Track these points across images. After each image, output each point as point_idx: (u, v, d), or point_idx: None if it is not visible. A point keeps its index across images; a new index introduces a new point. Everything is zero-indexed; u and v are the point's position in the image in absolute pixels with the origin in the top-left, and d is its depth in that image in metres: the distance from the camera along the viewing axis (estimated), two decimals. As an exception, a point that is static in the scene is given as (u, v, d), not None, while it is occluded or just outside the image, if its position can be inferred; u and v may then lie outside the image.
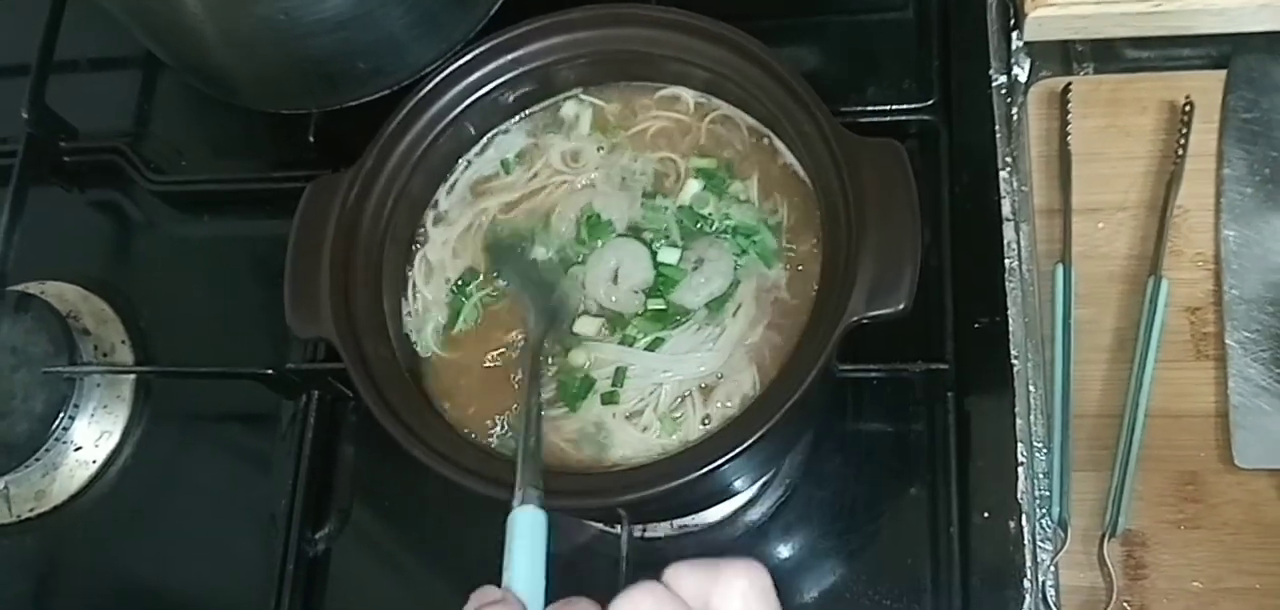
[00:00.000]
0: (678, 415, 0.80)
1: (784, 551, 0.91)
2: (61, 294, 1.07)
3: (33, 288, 1.06)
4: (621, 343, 0.82)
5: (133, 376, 1.04)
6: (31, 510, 1.01)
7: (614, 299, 0.83)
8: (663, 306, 0.83)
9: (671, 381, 0.81)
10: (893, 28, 1.06)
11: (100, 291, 1.08)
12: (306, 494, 0.96)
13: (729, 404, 0.80)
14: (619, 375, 0.81)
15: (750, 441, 0.72)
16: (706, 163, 0.87)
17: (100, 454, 1.02)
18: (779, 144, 0.87)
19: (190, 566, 0.99)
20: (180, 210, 1.11)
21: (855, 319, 0.74)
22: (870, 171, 0.77)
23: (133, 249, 1.12)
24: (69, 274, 1.08)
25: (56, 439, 1.00)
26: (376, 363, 0.80)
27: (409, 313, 0.87)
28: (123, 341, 1.05)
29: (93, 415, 1.03)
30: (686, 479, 0.73)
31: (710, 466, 0.73)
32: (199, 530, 0.99)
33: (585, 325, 0.84)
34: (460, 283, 0.87)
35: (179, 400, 1.04)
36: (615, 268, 0.84)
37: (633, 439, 0.80)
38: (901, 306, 0.74)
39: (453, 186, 0.90)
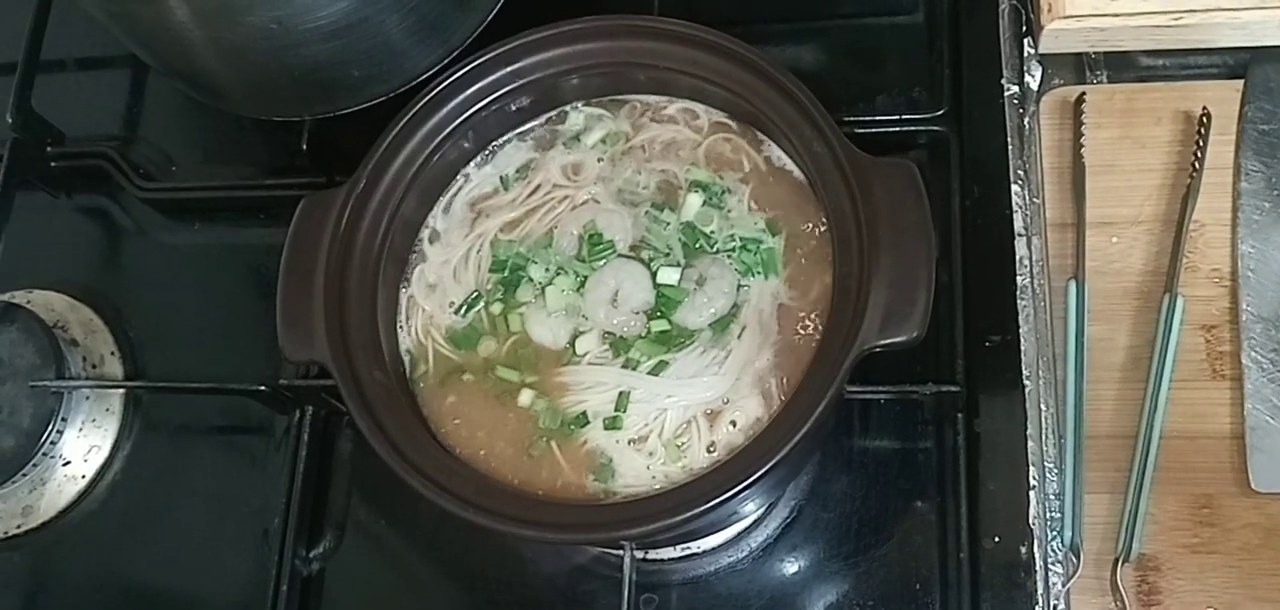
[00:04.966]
0: (682, 441, 0.78)
1: (790, 574, 0.89)
2: (49, 303, 1.04)
3: (19, 297, 1.03)
4: (624, 366, 0.80)
5: (122, 389, 1.02)
6: (19, 527, 0.99)
7: (615, 322, 0.82)
8: (667, 328, 0.81)
9: (676, 406, 0.79)
10: (902, 33, 1.03)
11: (88, 300, 1.05)
12: (300, 511, 0.94)
13: (735, 430, 0.78)
14: (622, 400, 0.79)
15: (758, 475, 0.71)
16: (704, 175, 0.85)
17: (89, 469, 1.00)
18: (787, 160, 0.84)
19: (181, 585, 0.97)
20: (170, 217, 1.09)
21: (866, 347, 0.72)
22: (882, 193, 0.75)
23: (122, 257, 1.09)
24: (56, 283, 1.06)
25: (44, 453, 0.98)
26: (371, 386, 0.78)
27: (403, 328, 0.85)
28: (111, 353, 1.03)
29: (81, 429, 1.00)
30: (693, 512, 0.71)
31: (718, 500, 0.71)
32: (190, 547, 0.97)
33: (586, 344, 0.82)
34: (464, 308, 0.85)
35: (169, 413, 1.02)
36: (615, 290, 0.82)
37: (637, 466, 0.78)
38: (914, 335, 0.72)
39: (450, 204, 0.88)
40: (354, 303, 0.80)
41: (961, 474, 0.87)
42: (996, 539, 0.84)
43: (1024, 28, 0.96)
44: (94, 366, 1.02)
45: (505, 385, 0.82)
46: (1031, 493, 0.84)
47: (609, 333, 0.82)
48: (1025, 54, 0.96)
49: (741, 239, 0.83)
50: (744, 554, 0.90)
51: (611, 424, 0.79)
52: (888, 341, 0.72)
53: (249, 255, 1.05)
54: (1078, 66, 0.98)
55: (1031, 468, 0.84)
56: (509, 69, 0.86)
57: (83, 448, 1.00)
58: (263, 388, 0.94)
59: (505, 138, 0.89)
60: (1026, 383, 0.87)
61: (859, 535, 0.89)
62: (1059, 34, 0.93)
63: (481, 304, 0.85)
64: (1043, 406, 0.87)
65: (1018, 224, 0.90)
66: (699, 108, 0.87)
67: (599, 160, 0.88)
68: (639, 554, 0.87)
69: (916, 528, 0.88)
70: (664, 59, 0.85)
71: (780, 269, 0.82)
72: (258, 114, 1.02)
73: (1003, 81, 0.94)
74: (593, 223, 0.84)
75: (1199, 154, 0.91)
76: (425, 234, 0.88)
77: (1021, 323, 0.88)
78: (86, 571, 0.98)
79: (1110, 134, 0.94)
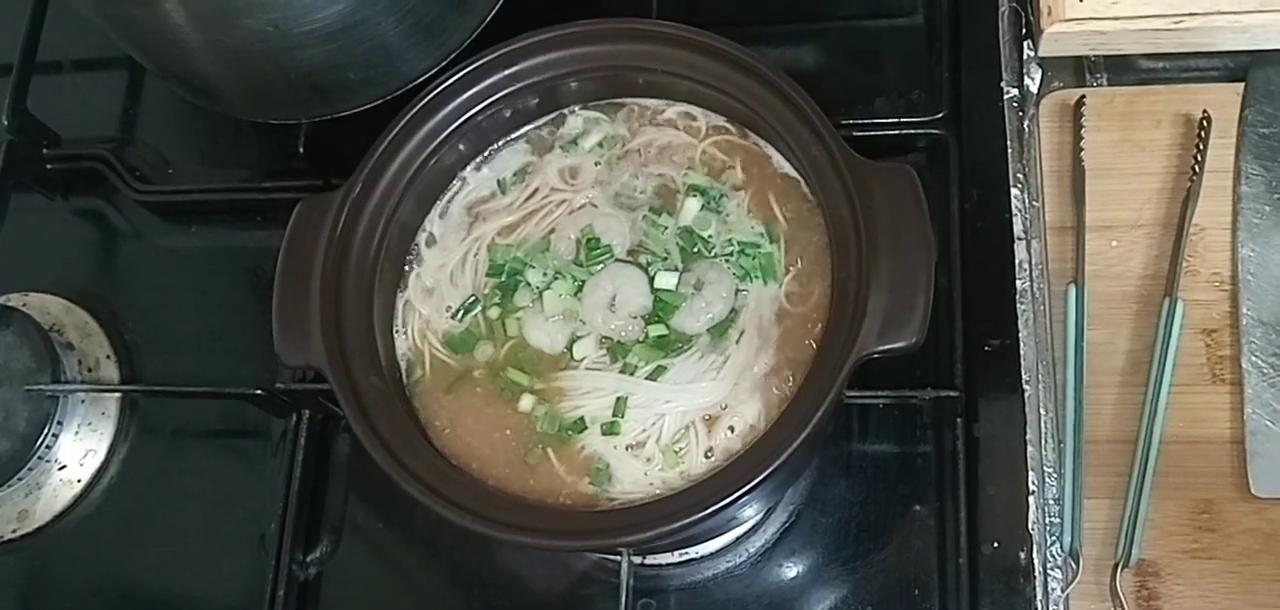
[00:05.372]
0: (680, 447, 0.78)
1: (788, 580, 0.89)
2: (44, 306, 1.04)
3: (14, 300, 1.03)
4: (623, 371, 0.80)
5: (118, 393, 1.01)
6: (14, 532, 0.98)
7: (612, 326, 0.81)
8: (664, 333, 0.81)
9: (674, 412, 0.79)
10: (901, 35, 1.03)
11: (84, 304, 1.05)
12: (297, 515, 0.93)
13: (733, 436, 0.77)
14: (619, 405, 0.79)
15: (756, 481, 0.71)
16: (702, 179, 0.85)
17: (85, 473, 0.99)
18: (786, 164, 0.84)
19: (177, 589, 0.96)
20: (167, 220, 1.08)
21: (865, 353, 0.72)
22: (881, 198, 0.75)
23: (118, 260, 1.09)
24: (52, 286, 1.05)
25: (40, 458, 0.97)
26: (368, 391, 0.78)
27: (399, 332, 0.85)
28: (107, 356, 1.02)
29: (77, 433, 1.00)
30: (691, 519, 0.71)
31: (716, 506, 0.71)
32: (186, 552, 0.97)
33: (584, 349, 0.81)
34: (461, 312, 0.84)
35: (166, 417, 1.01)
36: (613, 294, 0.82)
37: (634, 472, 0.78)
38: (913, 341, 0.71)
39: (447, 208, 0.88)
40: (350, 306, 0.80)
41: (960, 479, 0.86)
42: (995, 544, 0.83)
43: (1024, 30, 0.96)
44: (90, 370, 1.02)
45: (505, 390, 0.81)
46: (1031, 498, 0.83)
47: (607, 337, 0.81)
48: (1025, 57, 0.96)
49: (740, 243, 0.82)
50: (742, 559, 0.89)
51: (609, 429, 0.79)
52: (887, 347, 0.72)
53: (245, 258, 1.04)
54: (1078, 69, 0.98)
55: (1031, 473, 0.84)
56: (506, 72, 0.85)
57: (78, 452, 1.00)
58: (259, 392, 0.94)
59: (502, 141, 0.89)
60: (1026, 387, 0.86)
61: (857, 540, 0.89)
62: (1059, 37, 0.93)
63: (478, 308, 0.84)
64: (1042, 411, 0.87)
65: (1017, 228, 0.90)
66: (697, 111, 0.87)
67: (596, 164, 0.87)
68: (636, 560, 0.86)
69: (915, 533, 0.88)
70: (662, 63, 0.84)
71: (779, 273, 0.81)
72: (254, 117, 1.01)
73: (1002, 84, 0.94)
74: (590, 227, 0.84)
75: (1199, 157, 0.91)
76: (422, 238, 0.87)
77: (1021, 327, 0.87)
78: (82, 576, 0.98)
79: (1110, 137, 0.94)
